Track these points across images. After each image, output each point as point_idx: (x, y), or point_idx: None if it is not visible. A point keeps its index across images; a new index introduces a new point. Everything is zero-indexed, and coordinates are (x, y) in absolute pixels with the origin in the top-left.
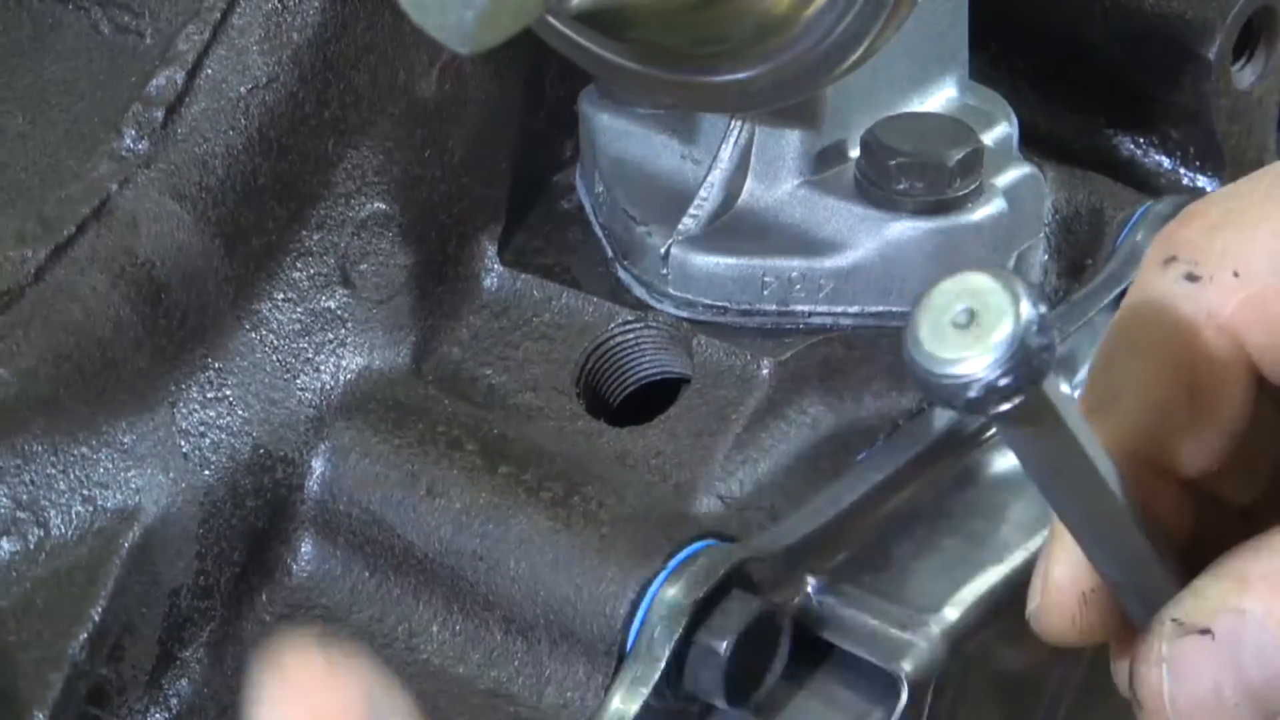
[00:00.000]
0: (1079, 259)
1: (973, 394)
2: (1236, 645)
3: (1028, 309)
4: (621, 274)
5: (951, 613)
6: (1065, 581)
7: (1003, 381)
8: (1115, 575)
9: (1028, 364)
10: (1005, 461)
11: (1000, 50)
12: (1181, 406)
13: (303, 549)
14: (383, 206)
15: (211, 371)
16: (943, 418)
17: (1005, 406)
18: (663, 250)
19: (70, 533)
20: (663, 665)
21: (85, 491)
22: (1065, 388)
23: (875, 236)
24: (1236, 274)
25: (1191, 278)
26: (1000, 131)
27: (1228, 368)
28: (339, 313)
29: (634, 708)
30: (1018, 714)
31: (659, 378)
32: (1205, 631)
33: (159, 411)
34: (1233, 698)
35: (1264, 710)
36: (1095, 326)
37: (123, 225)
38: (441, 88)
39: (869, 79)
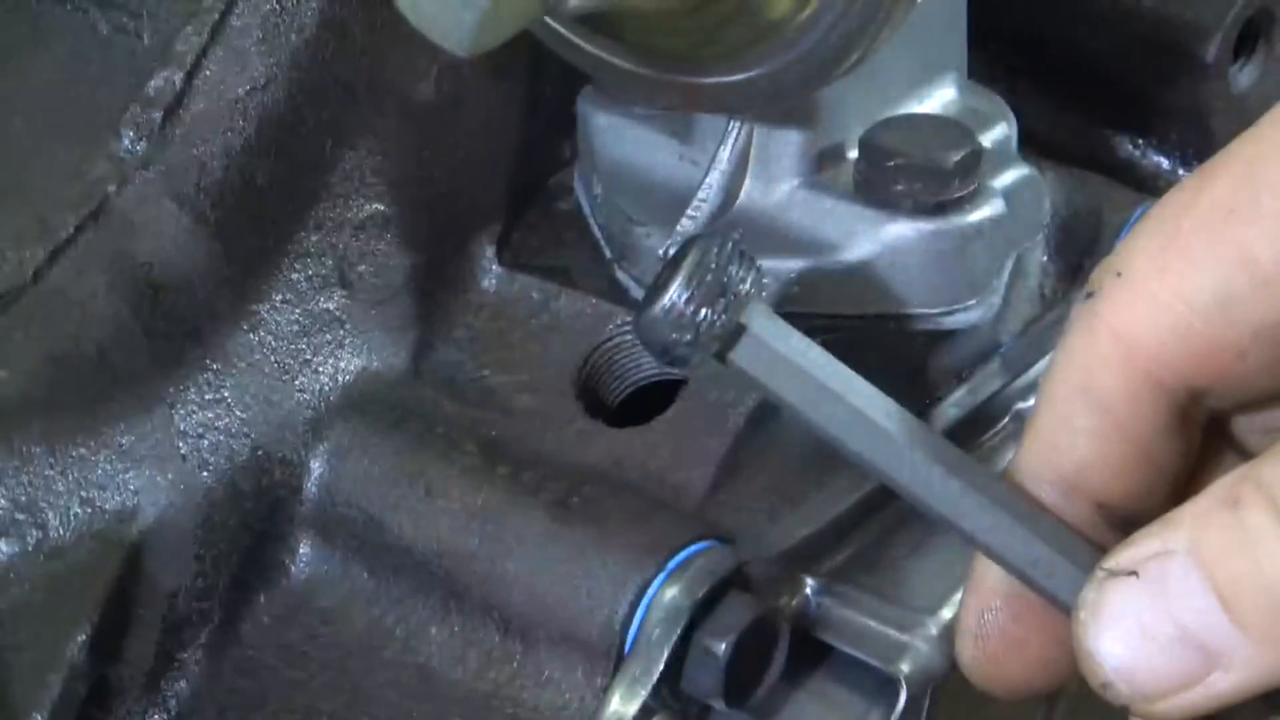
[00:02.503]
0: (1078, 260)
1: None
2: (1162, 583)
3: (675, 289)
4: (620, 275)
5: (950, 614)
6: (972, 611)
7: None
8: (1025, 573)
9: (668, 351)
10: (1006, 460)
11: (1000, 51)
12: (1084, 422)
13: (301, 550)
14: (381, 208)
15: (210, 373)
16: (942, 418)
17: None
18: (661, 251)
19: (68, 534)
20: (661, 666)
21: (83, 493)
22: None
23: (874, 237)
24: (1119, 274)
25: (1090, 294)
26: (999, 133)
27: (1126, 381)
28: (337, 314)
29: (632, 709)
30: (1017, 714)
31: (658, 378)
32: (1132, 574)
33: (157, 413)
34: (1161, 637)
35: (1196, 649)
36: None
37: (121, 227)
38: (440, 89)
39: (867, 80)
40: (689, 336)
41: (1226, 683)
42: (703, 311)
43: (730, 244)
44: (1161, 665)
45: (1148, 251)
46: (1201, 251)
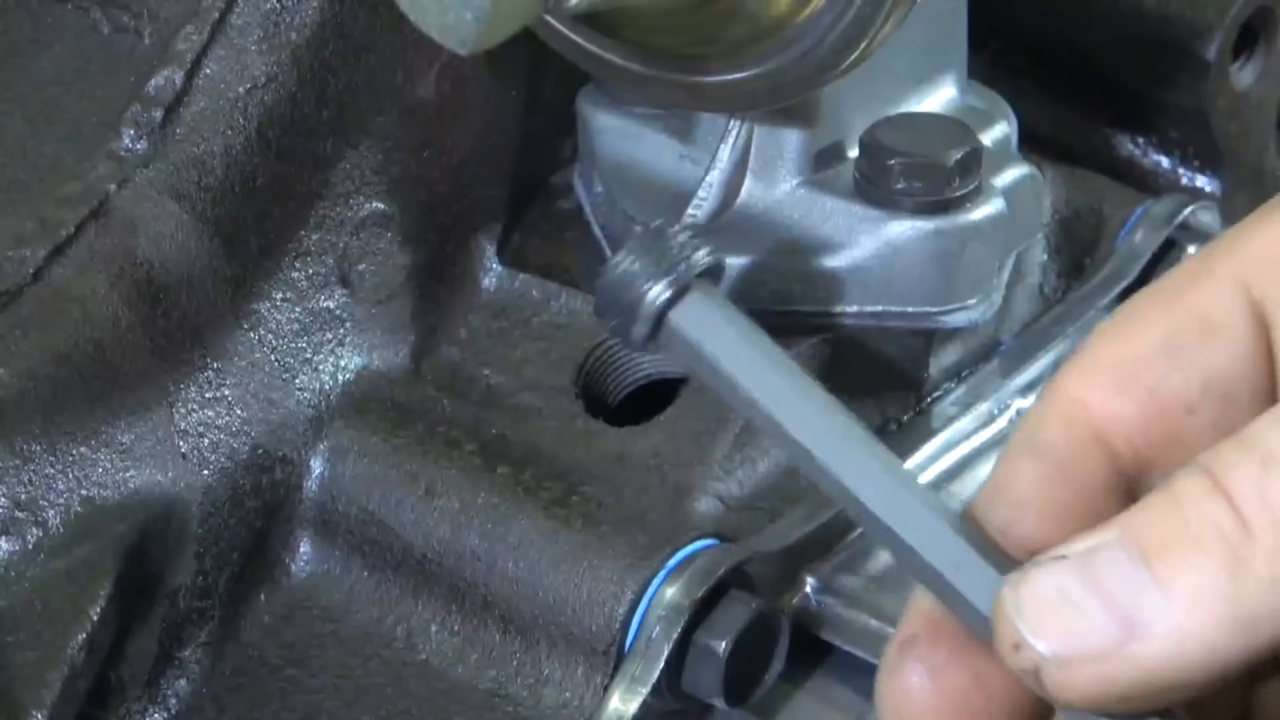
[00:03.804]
0: (1078, 258)
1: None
2: (1090, 559)
3: (625, 253)
4: None
5: None
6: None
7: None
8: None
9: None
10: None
11: (1000, 50)
12: (1028, 467)
13: (301, 549)
14: (381, 206)
15: (210, 371)
16: (942, 417)
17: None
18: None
19: (69, 533)
20: (661, 665)
21: (84, 491)
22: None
23: (874, 236)
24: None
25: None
26: (999, 131)
27: (1069, 432)
28: (338, 313)
29: (633, 707)
30: None
31: (658, 378)
32: (1060, 558)
33: (157, 411)
34: (1080, 601)
35: (1116, 615)
36: (1095, 327)
37: (121, 225)
38: (440, 88)
39: (868, 79)
40: (633, 295)
41: (1146, 651)
42: (649, 275)
43: (687, 230)
44: (1078, 627)
45: (1106, 328)
46: (1154, 312)
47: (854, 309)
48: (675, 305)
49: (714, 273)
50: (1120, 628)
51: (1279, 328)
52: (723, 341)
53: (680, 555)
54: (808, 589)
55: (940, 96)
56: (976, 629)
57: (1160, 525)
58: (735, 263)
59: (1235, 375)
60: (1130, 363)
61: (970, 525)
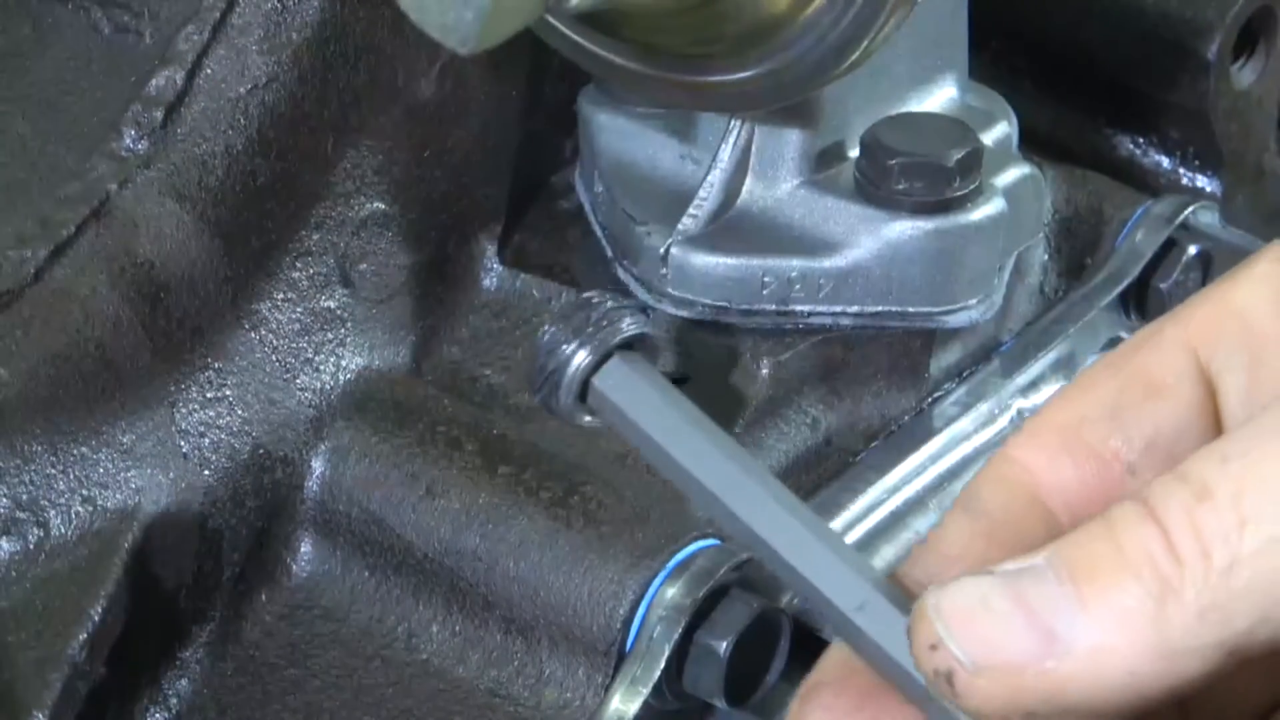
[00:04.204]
0: (1079, 258)
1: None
2: (1016, 576)
3: (552, 324)
4: (621, 274)
5: None
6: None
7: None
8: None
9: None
10: None
11: (1000, 50)
12: (961, 524)
13: (302, 549)
14: (382, 206)
15: (211, 371)
16: (943, 418)
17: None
18: (662, 250)
19: (70, 533)
20: (662, 665)
21: (85, 491)
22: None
23: (875, 236)
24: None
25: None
26: (1000, 131)
27: (1005, 492)
28: (339, 312)
29: (633, 708)
30: None
31: None
32: (986, 572)
33: (158, 411)
34: (1002, 611)
35: (1036, 628)
36: (1095, 326)
37: (122, 225)
38: (441, 88)
39: (868, 79)
40: (557, 363)
41: (1063, 669)
42: (572, 343)
43: (617, 300)
44: (997, 636)
45: (1058, 393)
46: (1103, 376)
47: (854, 309)
48: (597, 371)
49: (639, 341)
50: (1040, 641)
51: (1225, 390)
52: (644, 405)
53: (681, 555)
54: None
55: (941, 96)
56: (885, 670)
57: (1091, 549)
58: (735, 263)
59: (1180, 435)
60: (1075, 424)
61: (883, 574)
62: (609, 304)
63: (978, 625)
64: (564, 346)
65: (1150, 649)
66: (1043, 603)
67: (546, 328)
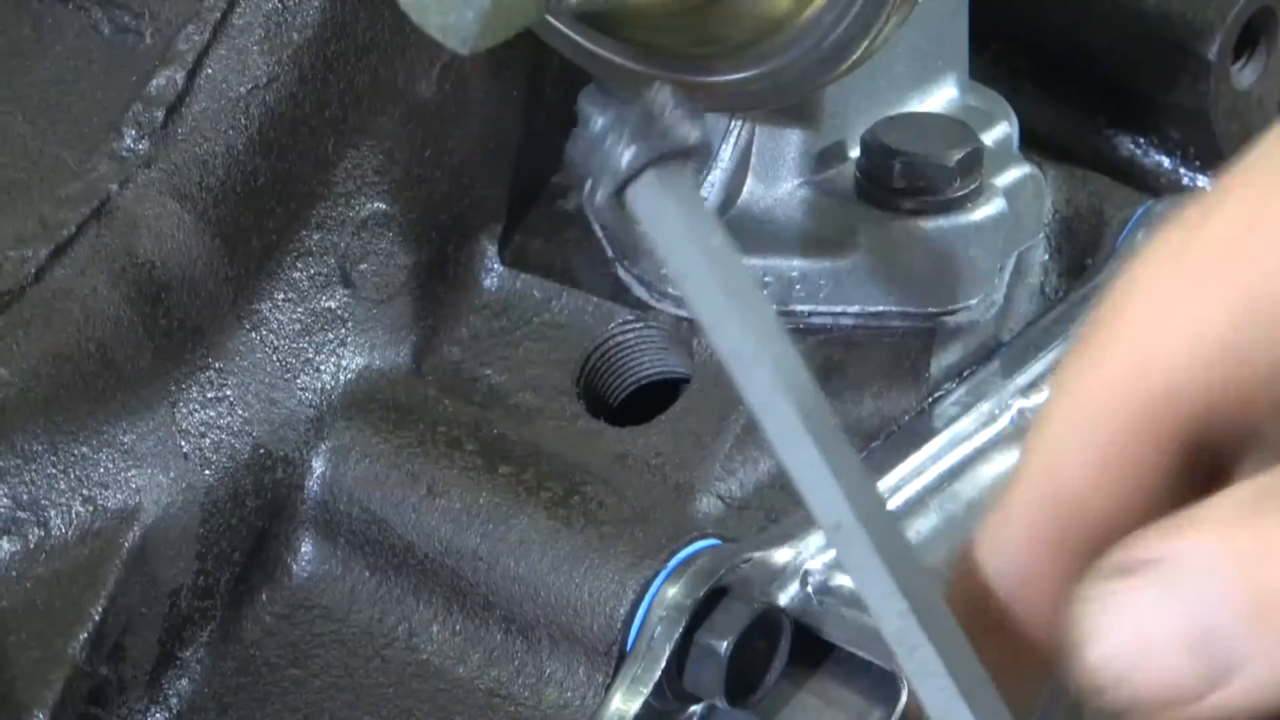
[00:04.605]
0: (1079, 259)
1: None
2: (1171, 587)
3: (601, 117)
4: (622, 274)
5: None
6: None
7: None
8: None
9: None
10: (1006, 459)
11: (1000, 50)
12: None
13: (303, 549)
14: (383, 206)
15: (212, 371)
16: (943, 418)
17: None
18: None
19: (70, 533)
20: (663, 665)
21: (85, 491)
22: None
23: (875, 236)
24: (1130, 294)
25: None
26: (1000, 131)
27: (1137, 404)
28: (339, 312)
29: (634, 707)
30: (1017, 711)
31: (659, 378)
32: (1135, 574)
33: (159, 411)
34: (1163, 642)
35: (1202, 663)
36: None
37: (123, 225)
38: (442, 88)
39: (869, 79)
40: (600, 161)
41: (1238, 695)
42: (621, 143)
43: (676, 99)
44: (1171, 671)
45: (1159, 274)
46: (1211, 278)
47: (854, 309)
48: (638, 179)
49: (692, 152)
50: (1213, 669)
51: None
52: (681, 226)
53: (682, 555)
54: (809, 588)
55: (941, 96)
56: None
57: (1253, 547)
58: None
59: None
60: (1198, 336)
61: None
62: (670, 105)
63: (1148, 662)
64: (612, 143)
65: None
66: (1208, 636)
67: (594, 119)
